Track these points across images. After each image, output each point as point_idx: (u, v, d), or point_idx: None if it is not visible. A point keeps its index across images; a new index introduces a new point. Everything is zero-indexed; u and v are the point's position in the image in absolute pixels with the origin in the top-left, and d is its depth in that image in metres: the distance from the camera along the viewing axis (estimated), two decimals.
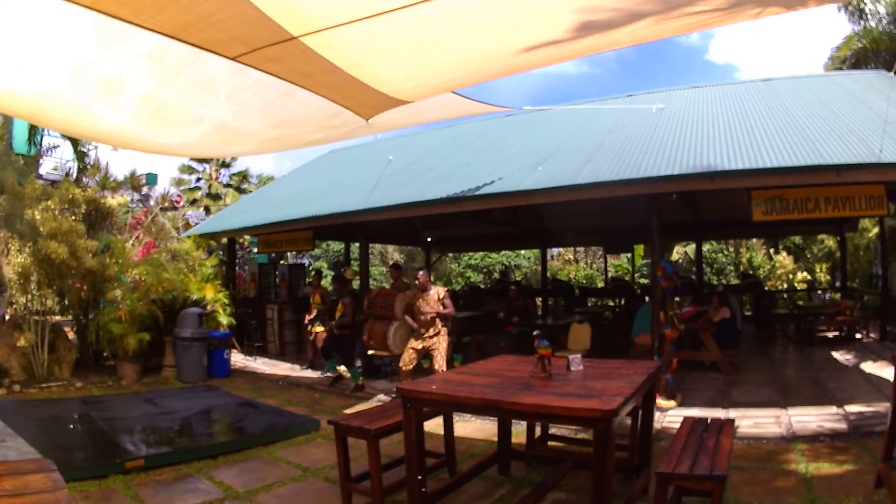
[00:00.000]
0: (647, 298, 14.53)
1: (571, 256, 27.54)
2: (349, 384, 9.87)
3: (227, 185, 24.61)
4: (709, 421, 4.73)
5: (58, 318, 11.24)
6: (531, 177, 8.56)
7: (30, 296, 9.61)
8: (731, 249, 23.71)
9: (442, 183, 9.66)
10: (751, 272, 20.21)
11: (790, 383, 8.75)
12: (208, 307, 11.93)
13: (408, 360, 8.31)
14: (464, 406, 3.93)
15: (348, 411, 8.20)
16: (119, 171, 14.77)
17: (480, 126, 14.56)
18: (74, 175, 11.71)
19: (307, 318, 11.21)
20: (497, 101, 8.00)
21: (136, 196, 14.11)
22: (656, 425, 6.60)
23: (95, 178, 11.69)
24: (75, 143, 11.81)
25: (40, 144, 12.88)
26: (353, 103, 6.30)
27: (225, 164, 25.30)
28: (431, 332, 8.11)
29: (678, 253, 23.02)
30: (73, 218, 10.08)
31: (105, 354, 10.39)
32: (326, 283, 17.40)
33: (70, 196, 10.27)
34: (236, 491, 5.28)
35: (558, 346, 10.06)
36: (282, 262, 17.91)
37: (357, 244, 11.55)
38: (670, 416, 7.18)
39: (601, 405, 3.45)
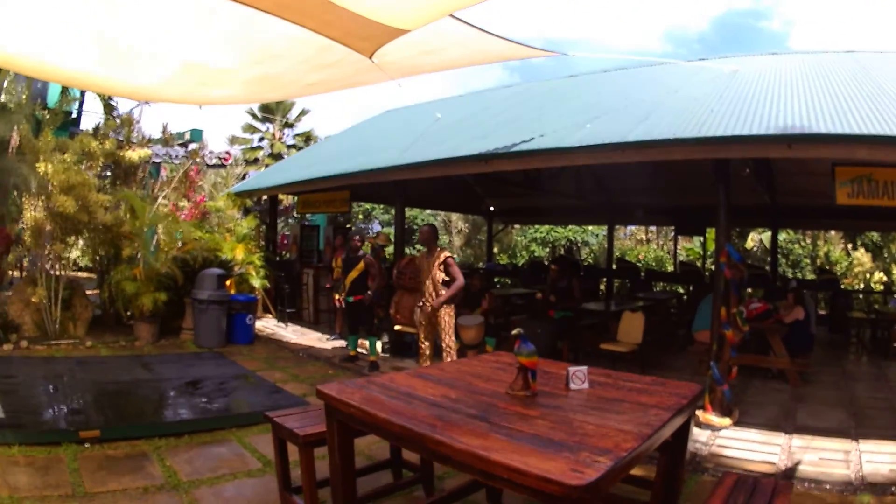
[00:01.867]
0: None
1: (643, 236, 25.72)
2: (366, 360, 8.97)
3: (291, 146, 24.06)
4: (759, 481, 3.45)
5: (84, 274, 10.81)
6: (576, 134, 7.34)
7: (41, 251, 9.10)
8: (808, 241, 21.54)
9: (478, 140, 8.57)
10: (827, 267, 18.05)
11: (863, 405, 7.24)
12: (236, 268, 11.24)
13: (423, 338, 7.48)
14: (383, 432, 2.79)
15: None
16: (171, 127, 14.11)
17: (541, 86, 13.32)
18: (102, 130, 11.08)
19: (328, 284, 10.36)
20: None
21: (182, 152, 13.49)
22: (704, 449, 5.53)
23: (116, 132, 11.00)
24: (103, 96, 11.23)
25: (81, 101, 12.46)
26: (338, 33, 5.31)
27: (289, 125, 24.80)
28: (433, 310, 7.20)
29: (753, 241, 21.06)
30: (92, 172, 9.48)
31: (128, 314, 9.82)
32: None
33: (86, 149, 9.64)
34: (178, 479, 4.61)
35: (608, 337, 8.99)
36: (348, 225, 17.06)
37: (423, 210, 10.54)
38: (723, 438, 5.88)
39: (567, 472, 2.07)
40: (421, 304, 7.34)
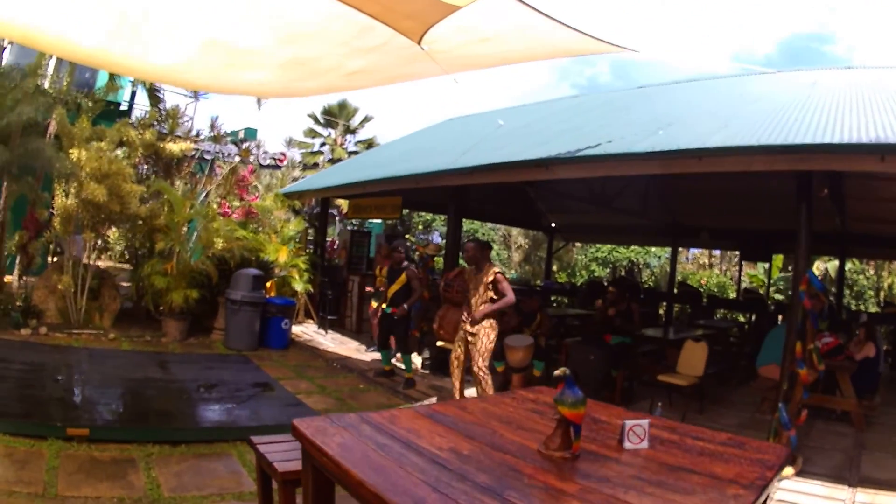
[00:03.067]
0: (780, 318, 12.34)
1: (707, 260, 24.24)
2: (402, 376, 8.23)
3: (352, 153, 23.60)
4: None
5: (127, 266, 10.44)
6: (646, 141, 6.49)
7: (68, 238, 8.73)
8: (872, 272, 19.81)
9: (539, 146, 7.80)
10: (891, 300, 16.35)
11: None
12: (278, 270, 10.65)
13: (456, 356, 6.77)
14: (355, 494, 1.99)
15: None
16: (226, 126, 13.62)
17: (605, 96, 12.48)
18: (144, 120, 10.68)
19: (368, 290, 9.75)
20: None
21: (235, 151, 13.07)
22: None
23: (159, 123, 10.58)
24: (148, 85, 10.83)
25: (133, 93, 12.14)
26: (379, 8, 4.59)
27: (351, 131, 24.38)
28: (472, 323, 6.48)
29: (818, 269, 19.42)
30: (128, 161, 9.05)
31: (159, 309, 9.33)
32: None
33: (123, 137, 9.22)
34: (160, 494, 4.08)
35: (666, 367, 8.05)
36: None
37: (484, 223, 9.79)
38: (784, 490, 5.01)
39: None
40: (463, 318, 6.61)
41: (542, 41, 5.53)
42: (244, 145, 13.59)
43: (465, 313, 6.60)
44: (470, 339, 6.52)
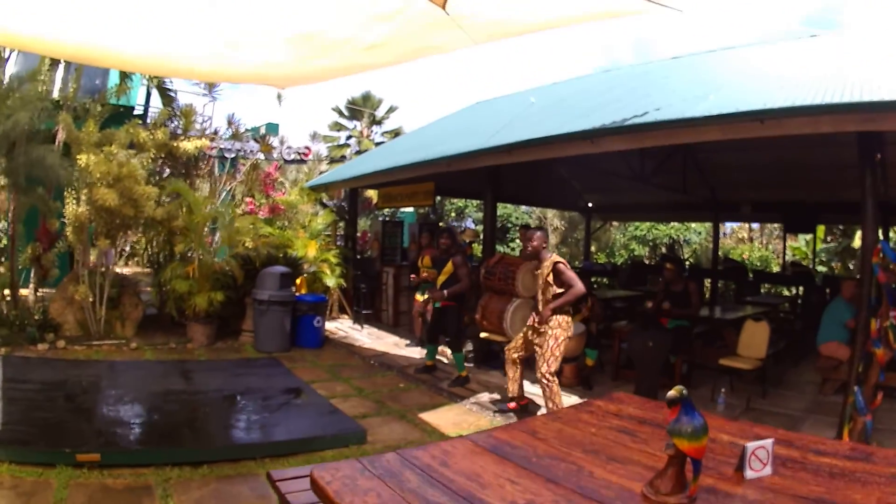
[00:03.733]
0: (828, 292, 11.78)
1: (746, 234, 23.00)
2: (450, 373, 7.61)
3: (379, 143, 22.94)
4: None
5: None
6: (699, 106, 5.72)
7: (82, 247, 8.19)
8: None
9: (581, 118, 7.06)
10: None
11: None
12: (307, 266, 10.05)
13: (513, 345, 6.02)
14: None
15: (425, 415, 5.96)
16: (246, 122, 12.96)
17: (642, 67, 11.64)
18: (156, 119, 10.11)
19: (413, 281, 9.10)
20: None
21: (257, 147, 12.49)
22: None
23: (172, 122, 10.00)
24: (157, 83, 10.24)
25: (148, 96, 11.60)
26: None
27: (377, 122, 23.72)
28: (541, 322, 5.69)
29: (860, 239, 17.96)
30: (140, 163, 8.50)
31: (185, 313, 8.79)
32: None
33: (134, 139, 8.66)
34: None
35: (723, 350, 7.56)
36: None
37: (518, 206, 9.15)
38: None
39: None
40: (532, 318, 5.82)
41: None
42: (266, 141, 13.01)
43: (533, 312, 5.85)
44: (536, 339, 5.78)
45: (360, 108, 22.80)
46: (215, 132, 10.50)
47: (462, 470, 1.90)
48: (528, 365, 6.18)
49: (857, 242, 18.00)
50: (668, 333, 7.19)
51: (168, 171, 9.99)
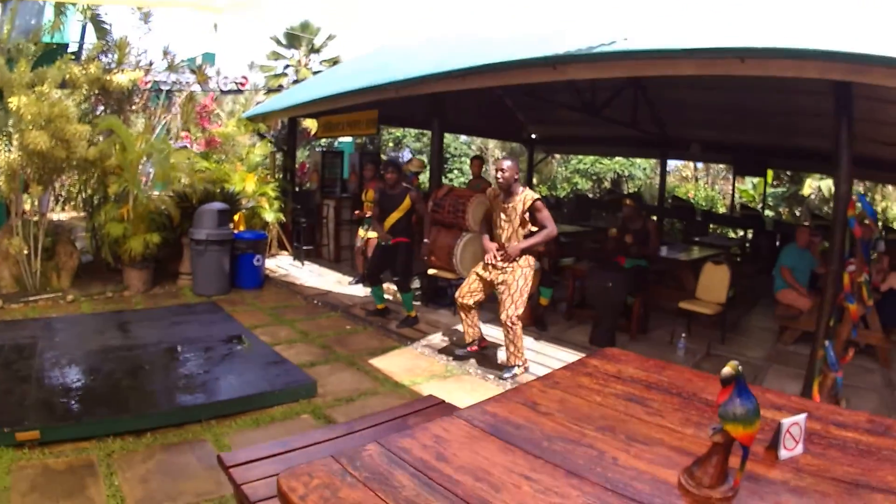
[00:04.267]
0: (779, 237, 12.20)
1: (690, 173, 23.15)
2: (399, 313, 7.27)
3: (317, 73, 21.78)
4: None
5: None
6: (673, 37, 5.31)
7: (14, 196, 7.37)
8: (863, 192, 18.74)
9: (542, 44, 6.44)
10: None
11: None
12: (245, 201, 9.39)
13: (467, 290, 5.54)
14: None
15: (376, 361, 5.61)
16: (181, 53, 11.66)
17: None
18: (88, 53, 9.04)
19: (356, 216, 8.64)
20: None
21: (193, 79, 11.44)
22: None
23: (105, 56, 8.96)
24: (90, 15, 9.11)
25: (83, 33, 10.34)
26: None
27: (315, 50, 22.49)
28: (504, 259, 5.35)
29: (810, 187, 18.48)
30: (74, 101, 7.66)
31: (120, 258, 8.08)
32: None
33: (66, 76, 7.74)
34: None
35: (682, 293, 7.43)
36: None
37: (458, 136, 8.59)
38: None
39: None
40: (493, 254, 5.39)
41: None
42: (202, 71, 11.91)
43: (490, 249, 5.41)
44: (498, 278, 5.35)
45: (301, 35, 21.45)
46: (150, 64, 9.44)
47: (465, 465, 1.55)
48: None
49: (806, 189, 18.39)
50: (628, 273, 6.95)
51: (102, 108, 8.99)
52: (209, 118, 11.05)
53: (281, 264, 10.22)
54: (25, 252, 7.29)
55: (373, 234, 8.34)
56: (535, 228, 5.30)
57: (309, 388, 4.73)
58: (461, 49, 8.08)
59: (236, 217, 9.17)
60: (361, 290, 8.51)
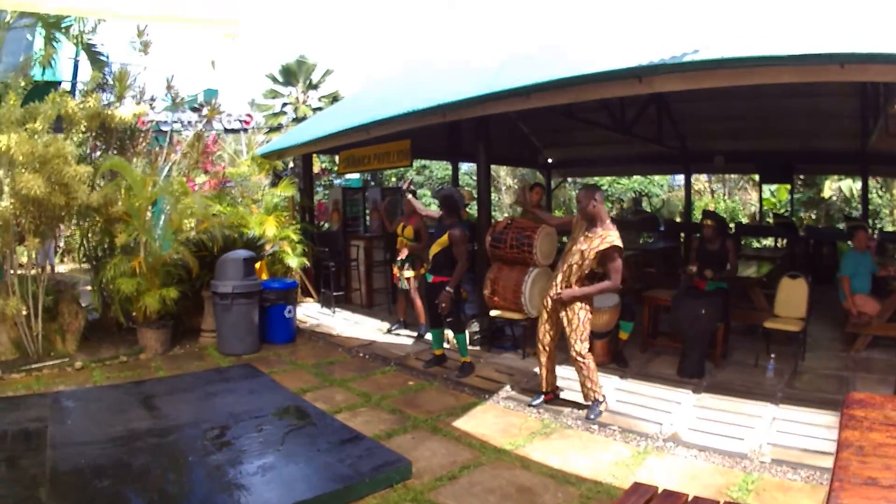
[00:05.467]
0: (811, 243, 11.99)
1: (702, 186, 22.30)
2: (458, 359, 6.31)
3: (317, 109, 21.01)
4: None
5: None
6: (764, 44, 4.71)
7: (8, 250, 6.39)
8: (884, 190, 18.20)
9: (610, 58, 5.57)
10: None
11: None
12: (268, 246, 8.42)
13: (545, 328, 5.07)
14: None
15: (461, 423, 4.64)
16: (180, 90, 10.72)
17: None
18: (86, 86, 8.06)
19: (399, 257, 7.67)
20: None
21: (195, 118, 10.54)
22: None
23: (104, 90, 8.00)
24: (84, 44, 8.12)
25: (76, 69, 9.40)
26: None
27: (313, 86, 21.67)
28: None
29: (830, 189, 17.88)
30: (74, 140, 6.76)
31: (132, 316, 7.11)
32: None
33: (61, 111, 6.72)
34: None
35: (756, 312, 7.01)
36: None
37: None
38: None
39: None
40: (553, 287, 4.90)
41: None
42: (205, 110, 10.97)
43: (554, 283, 4.91)
44: (563, 314, 4.89)
45: (305, 62, 20.61)
46: (152, 100, 8.50)
47: None
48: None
49: (826, 192, 17.70)
50: (719, 299, 6.10)
51: (101, 149, 8.01)
52: (212, 160, 10.12)
53: (309, 313, 9.18)
54: (25, 313, 6.25)
55: (409, 273, 7.46)
56: (599, 271, 4.83)
57: (402, 469, 3.72)
58: (518, 62, 7.22)
59: (257, 265, 8.19)
60: (408, 338, 7.54)
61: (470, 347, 6.84)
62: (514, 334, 7.19)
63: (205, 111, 10.36)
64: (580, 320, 4.80)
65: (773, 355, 6.03)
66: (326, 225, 11.24)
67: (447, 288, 5.85)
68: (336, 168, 11.54)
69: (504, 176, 22.58)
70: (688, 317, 5.96)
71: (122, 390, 5.46)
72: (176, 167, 7.81)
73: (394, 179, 21.71)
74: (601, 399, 4.90)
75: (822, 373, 6.01)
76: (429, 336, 7.23)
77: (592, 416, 4.76)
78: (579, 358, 4.79)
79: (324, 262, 9.46)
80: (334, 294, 9.26)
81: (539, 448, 4.31)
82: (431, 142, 10.93)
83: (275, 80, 22.00)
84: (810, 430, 4.51)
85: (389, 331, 7.94)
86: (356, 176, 17.89)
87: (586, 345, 4.83)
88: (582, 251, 4.73)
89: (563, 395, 5.32)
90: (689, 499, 2.46)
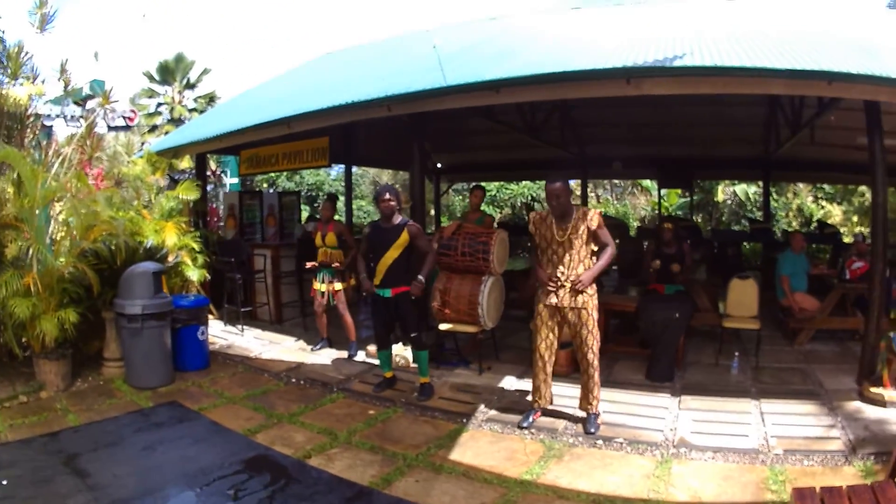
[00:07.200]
0: (715, 245, 12.23)
1: (589, 191, 22.87)
2: (411, 381, 5.66)
3: (192, 110, 19.36)
4: None
5: None
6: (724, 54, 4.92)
7: None
8: (778, 194, 19.44)
9: (612, 55, 5.36)
10: (828, 221, 15.77)
11: None
12: (171, 257, 7.14)
13: (545, 336, 4.61)
14: None
15: (457, 455, 3.94)
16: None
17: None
18: None
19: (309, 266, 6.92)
20: None
21: (80, 112, 8.89)
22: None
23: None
24: None
25: None
26: None
27: (190, 86, 19.89)
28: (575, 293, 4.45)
29: (723, 193, 18.86)
30: None
31: (26, 343, 5.69)
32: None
33: None
34: None
35: (704, 313, 6.88)
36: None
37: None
38: None
39: None
40: (553, 287, 4.47)
41: None
42: (89, 103, 9.24)
43: (555, 282, 4.45)
44: (573, 317, 4.46)
45: (183, 60, 18.63)
46: (43, 83, 6.92)
47: None
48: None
49: (720, 196, 18.56)
50: (689, 301, 5.86)
51: None
52: (90, 161, 8.55)
53: (213, 332, 7.82)
54: None
55: (339, 286, 6.60)
56: (596, 248, 4.52)
57: None
58: (453, 60, 6.59)
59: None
60: (338, 357, 6.73)
61: (414, 365, 6.15)
62: (458, 347, 6.60)
63: (90, 104, 8.74)
64: (594, 320, 4.43)
65: (737, 353, 6.05)
66: (220, 232, 9.95)
67: (419, 277, 5.15)
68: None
69: (386, 181, 21.95)
70: (659, 321, 5.75)
71: (36, 448, 4.13)
72: (65, 164, 6.31)
73: (265, 185, 20.26)
74: (598, 412, 4.59)
75: (780, 367, 6.15)
76: (361, 356, 6.63)
77: (593, 430, 4.45)
78: (591, 368, 4.46)
79: (227, 275, 8.24)
80: (242, 310, 8.09)
81: (560, 473, 3.87)
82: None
83: (152, 78, 20.25)
84: (800, 419, 4.69)
85: (315, 349, 7.00)
86: (235, 180, 16.50)
87: (596, 359, 4.46)
88: (574, 238, 4.38)
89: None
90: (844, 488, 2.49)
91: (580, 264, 4.39)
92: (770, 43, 5.24)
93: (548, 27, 8.49)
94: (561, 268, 4.43)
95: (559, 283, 4.41)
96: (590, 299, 4.41)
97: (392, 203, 5.22)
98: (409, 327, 5.37)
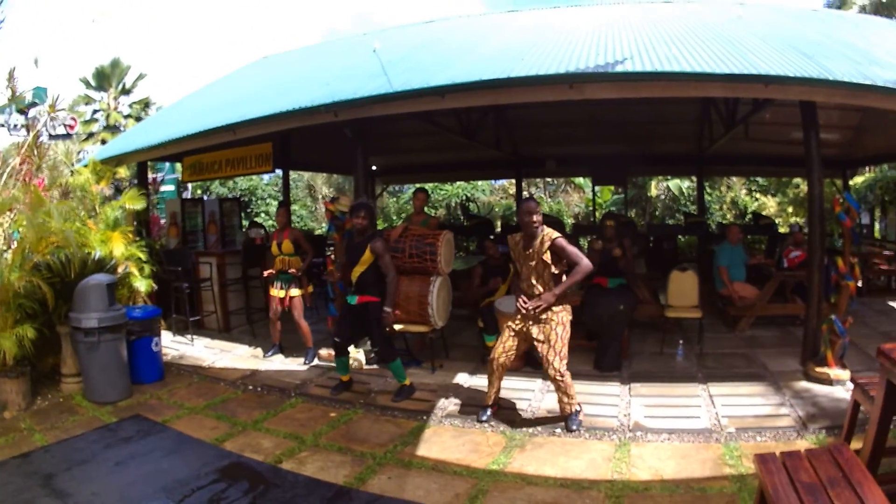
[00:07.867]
0: (651, 240, 12.65)
1: (514, 190, 23.19)
2: (366, 382, 5.90)
3: (128, 116, 18.78)
4: None
5: None
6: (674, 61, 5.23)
7: None
8: (714, 187, 20.14)
9: (559, 61, 5.63)
10: (763, 213, 16.50)
11: None
12: (120, 268, 7.01)
13: (502, 349, 4.79)
14: None
15: (424, 450, 4.17)
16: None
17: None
18: None
19: (267, 274, 6.97)
20: None
21: (22, 120, 8.49)
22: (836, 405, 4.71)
23: None
24: None
25: None
26: None
27: (126, 91, 19.24)
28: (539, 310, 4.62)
29: (657, 188, 19.45)
30: None
31: None
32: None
33: None
34: None
35: (645, 305, 7.16)
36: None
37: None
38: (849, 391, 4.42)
39: None
40: (520, 304, 4.66)
41: None
42: (32, 111, 8.82)
43: (522, 301, 4.66)
44: (536, 332, 4.63)
45: (119, 65, 17.94)
46: None
47: None
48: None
49: (653, 191, 19.14)
50: (632, 293, 6.20)
51: None
52: (31, 171, 8.26)
53: (164, 343, 7.74)
54: None
55: (296, 293, 6.66)
56: (556, 271, 4.63)
57: None
58: (398, 65, 6.73)
59: None
60: (291, 363, 6.82)
61: (368, 367, 6.40)
62: (409, 347, 6.82)
63: (33, 112, 8.35)
64: (558, 336, 4.55)
65: (681, 341, 6.53)
66: (163, 240, 9.75)
67: (385, 308, 5.28)
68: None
69: (320, 185, 21.77)
70: (605, 313, 6.05)
71: (10, 471, 4.05)
72: (10, 175, 6.10)
73: (199, 192, 19.70)
74: (577, 409, 4.72)
75: (724, 352, 6.51)
76: (317, 361, 6.73)
77: (574, 427, 4.59)
78: (557, 376, 4.54)
79: (174, 284, 8.13)
80: (191, 319, 8.00)
81: (525, 461, 4.09)
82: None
83: (88, 84, 19.55)
84: (748, 399, 5.00)
85: (267, 356, 7.04)
86: (171, 188, 16.11)
87: (565, 362, 4.57)
88: (534, 259, 4.59)
89: (504, 402, 5.14)
90: (803, 451, 2.67)
91: (544, 284, 4.58)
92: (709, 46, 5.55)
93: (489, 30, 8.74)
94: (525, 286, 4.68)
95: (524, 302, 4.60)
96: (554, 315, 4.57)
97: (362, 222, 5.36)
98: (374, 340, 5.59)
